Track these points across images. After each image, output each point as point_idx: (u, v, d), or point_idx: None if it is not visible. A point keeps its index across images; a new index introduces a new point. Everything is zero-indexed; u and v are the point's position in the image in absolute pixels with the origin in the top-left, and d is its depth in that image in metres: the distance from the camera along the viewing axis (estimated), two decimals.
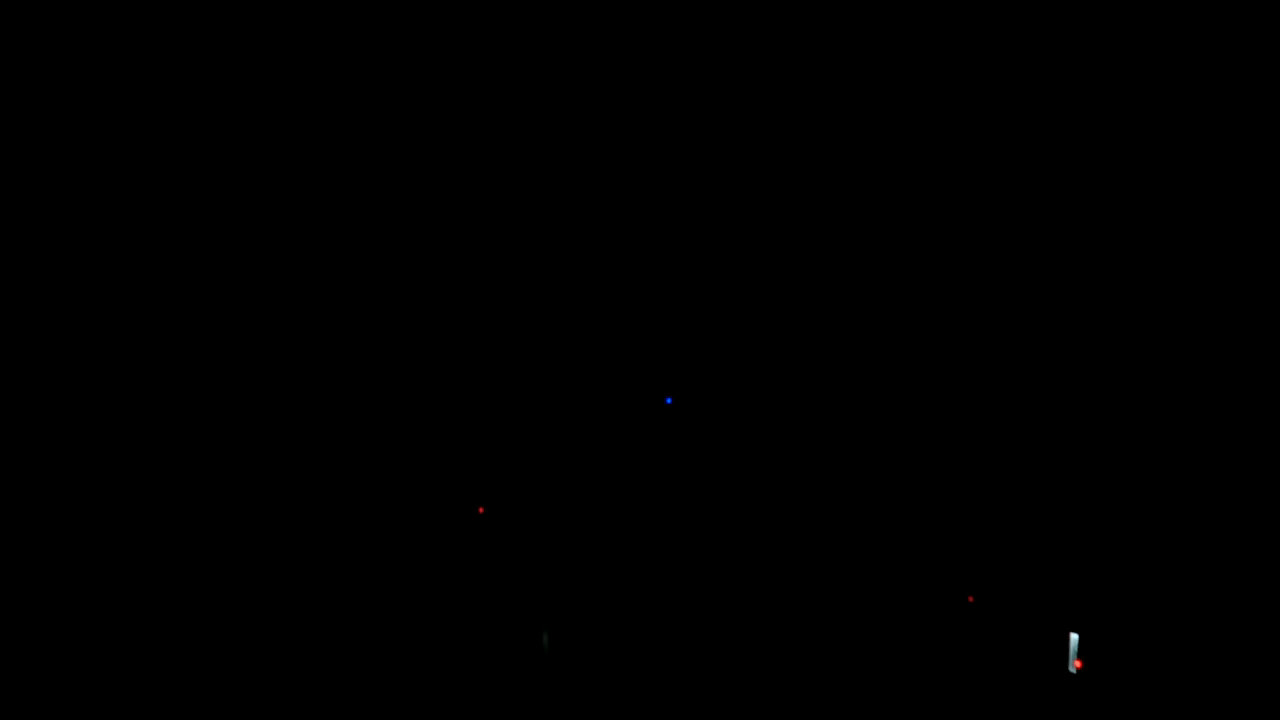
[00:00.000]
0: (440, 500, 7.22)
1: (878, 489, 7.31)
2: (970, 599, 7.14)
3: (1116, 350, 7.12)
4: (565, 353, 7.40)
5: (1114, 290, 7.12)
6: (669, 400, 7.32)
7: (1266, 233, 6.87)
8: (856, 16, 7.17)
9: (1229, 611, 6.82)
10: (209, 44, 7.15)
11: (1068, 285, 7.17)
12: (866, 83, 7.24)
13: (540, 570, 7.20)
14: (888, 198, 7.31)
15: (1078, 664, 6.95)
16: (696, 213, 7.39)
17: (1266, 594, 6.78)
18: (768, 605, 7.21)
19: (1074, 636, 6.98)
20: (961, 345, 7.30)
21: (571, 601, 7.15)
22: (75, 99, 7.05)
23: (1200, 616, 6.86)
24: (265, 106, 7.19)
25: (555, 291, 7.40)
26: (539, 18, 7.23)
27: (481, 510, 7.23)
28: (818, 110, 7.29)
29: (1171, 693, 6.80)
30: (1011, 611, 7.12)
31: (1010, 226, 7.22)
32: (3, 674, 6.40)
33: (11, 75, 6.94)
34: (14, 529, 6.74)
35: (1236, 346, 6.96)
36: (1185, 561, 6.94)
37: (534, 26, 7.26)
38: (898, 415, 7.34)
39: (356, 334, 7.26)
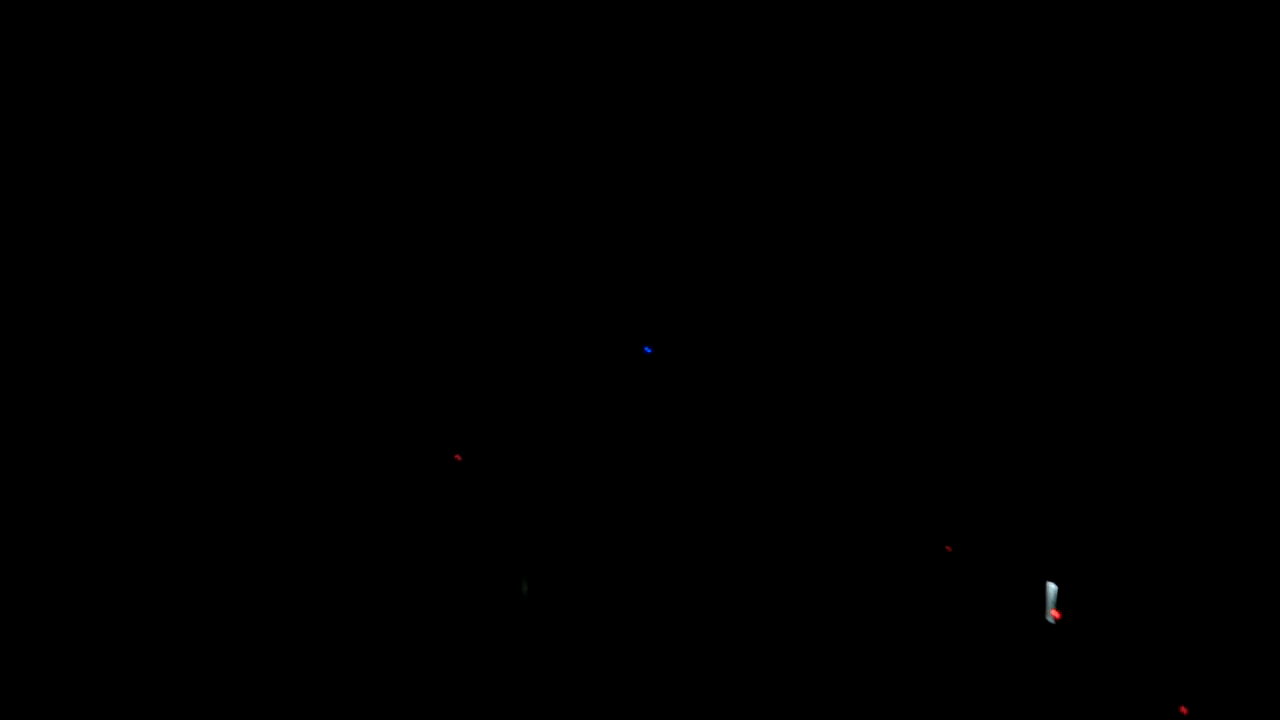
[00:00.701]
0: (417, 447, 7.23)
1: (854, 438, 7.31)
2: (949, 549, 7.14)
3: (1087, 306, 7.11)
4: (545, 303, 7.40)
5: (1047, 247, 7.10)
6: (648, 350, 7.31)
7: (1262, 232, 6.85)
8: (834, 13, 7.14)
9: (1208, 564, 6.83)
10: (209, 44, 7.14)
11: (1004, 242, 7.15)
12: (822, 54, 7.21)
13: (519, 518, 7.23)
14: (845, 164, 7.29)
15: (1055, 614, 6.95)
16: (670, 173, 7.37)
17: (1245, 553, 6.78)
18: (745, 553, 7.22)
19: (1052, 587, 6.99)
20: (933, 300, 7.28)
21: (551, 551, 7.18)
22: (75, 99, 7.04)
23: (1179, 567, 6.86)
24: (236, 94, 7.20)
25: (534, 242, 7.40)
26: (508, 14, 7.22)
27: (459, 458, 7.24)
28: (774, 80, 7.26)
29: (1149, 643, 6.82)
30: (989, 561, 7.12)
31: (955, 190, 7.21)
32: (2, 674, 6.45)
33: (11, 75, 6.94)
34: (12, 529, 6.78)
35: (1194, 309, 6.95)
36: (1163, 512, 6.94)
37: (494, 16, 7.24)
38: (873, 365, 7.33)
39: (325, 289, 7.26)
